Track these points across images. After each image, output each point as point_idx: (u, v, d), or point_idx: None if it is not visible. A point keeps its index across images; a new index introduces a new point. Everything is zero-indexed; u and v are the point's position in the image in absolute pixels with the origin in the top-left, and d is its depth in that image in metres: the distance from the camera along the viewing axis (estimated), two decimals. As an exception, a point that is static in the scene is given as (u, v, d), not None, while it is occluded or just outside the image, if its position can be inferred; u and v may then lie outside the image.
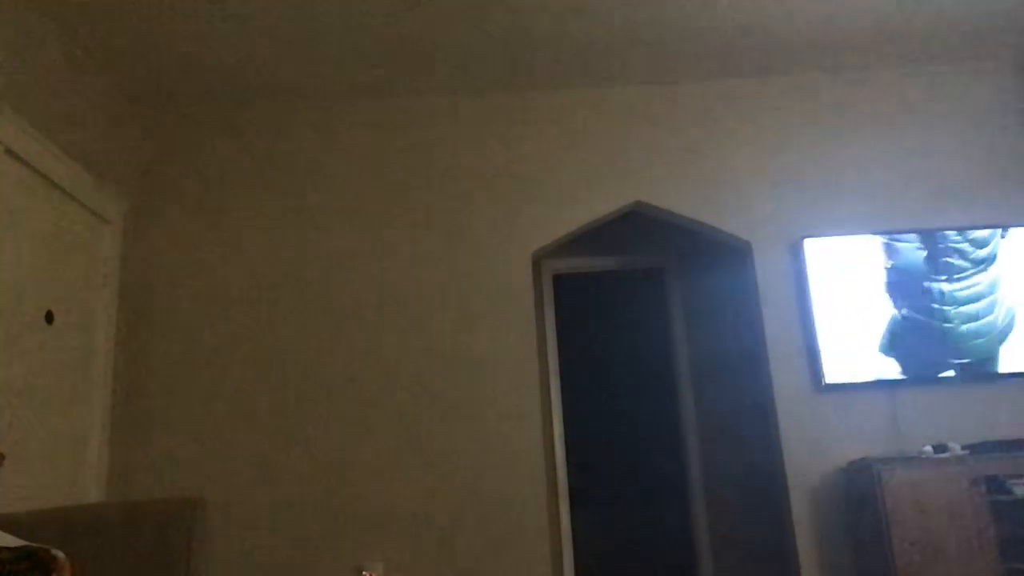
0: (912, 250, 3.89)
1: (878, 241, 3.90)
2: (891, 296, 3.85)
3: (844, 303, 3.84)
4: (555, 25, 3.64)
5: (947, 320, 3.82)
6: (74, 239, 3.47)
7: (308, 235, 4.04)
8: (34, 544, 1.42)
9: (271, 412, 3.82)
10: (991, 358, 3.78)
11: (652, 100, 4.22)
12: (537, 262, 4.98)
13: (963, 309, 3.83)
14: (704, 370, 4.93)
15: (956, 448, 3.46)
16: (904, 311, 3.83)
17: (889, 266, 3.88)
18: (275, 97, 4.13)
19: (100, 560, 1.73)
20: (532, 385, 3.86)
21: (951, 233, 3.91)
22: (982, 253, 3.89)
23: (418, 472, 3.76)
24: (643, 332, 6.58)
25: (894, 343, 3.80)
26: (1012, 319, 3.82)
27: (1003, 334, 3.80)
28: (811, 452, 3.75)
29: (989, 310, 3.83)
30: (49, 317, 3.24)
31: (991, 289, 3.85)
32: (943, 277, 3.86)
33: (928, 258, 3.88)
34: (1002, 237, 3.91)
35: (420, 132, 4.18)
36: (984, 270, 3.87)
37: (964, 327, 3.81)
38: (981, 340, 3.80)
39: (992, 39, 3.99)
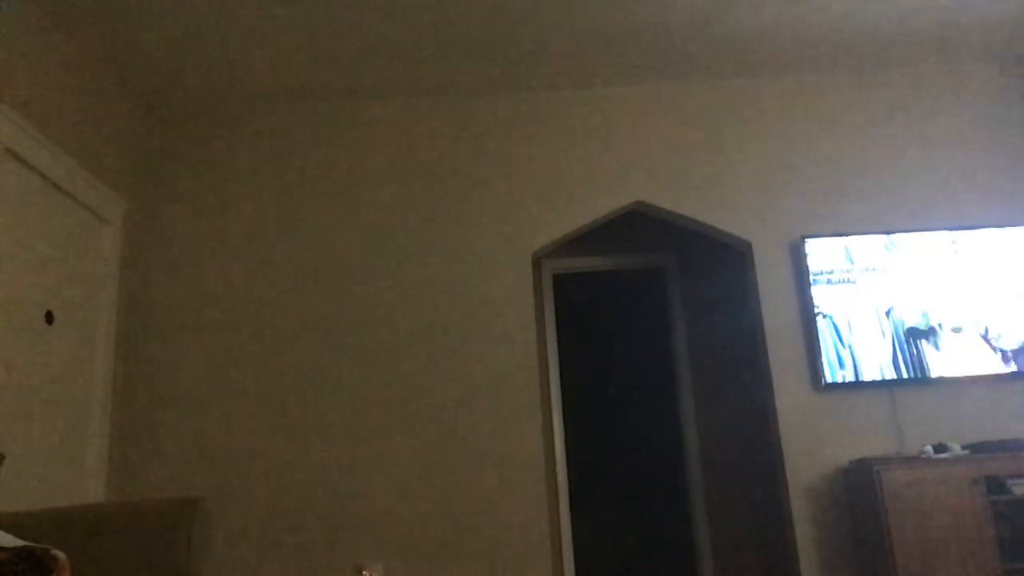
0: (912, 250, 3.90)
1: (878, 241, 3.90)
2: (891, 294, 3.85)
3: (844, 303, 3.84)
4: (555, 25, 3.63)
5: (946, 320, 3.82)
6: (74, 239, 3.47)
7: (307, 235, 4.04)
8: (34, 544, 1.42)
9: (271, 412, 3.82)
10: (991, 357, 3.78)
11: (652, 100, 4.22)
12: (537, 262, 4.98)
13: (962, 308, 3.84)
14: (704, 370, 4.92)
15: (956, 448, 3.46)
16: (904, 311, 3.83)
17: (888, 265, 3.88)
18: (275, 97, 4.13)
19: (100, 560, 1.73)
20: (532, 385, 3.86)
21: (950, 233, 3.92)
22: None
23: (418, 472, 3.76)
24: (643, 332, 6.58)
25: (894, 343, 3.80)
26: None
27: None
28: (811, 452, 3.75)
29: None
30: (49, 317, 3.24)
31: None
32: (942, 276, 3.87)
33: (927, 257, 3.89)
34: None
35: (420, 132, 4.18)
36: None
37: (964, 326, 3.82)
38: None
39: (992, 39, 3.99)
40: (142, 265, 4.00)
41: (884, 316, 3.83)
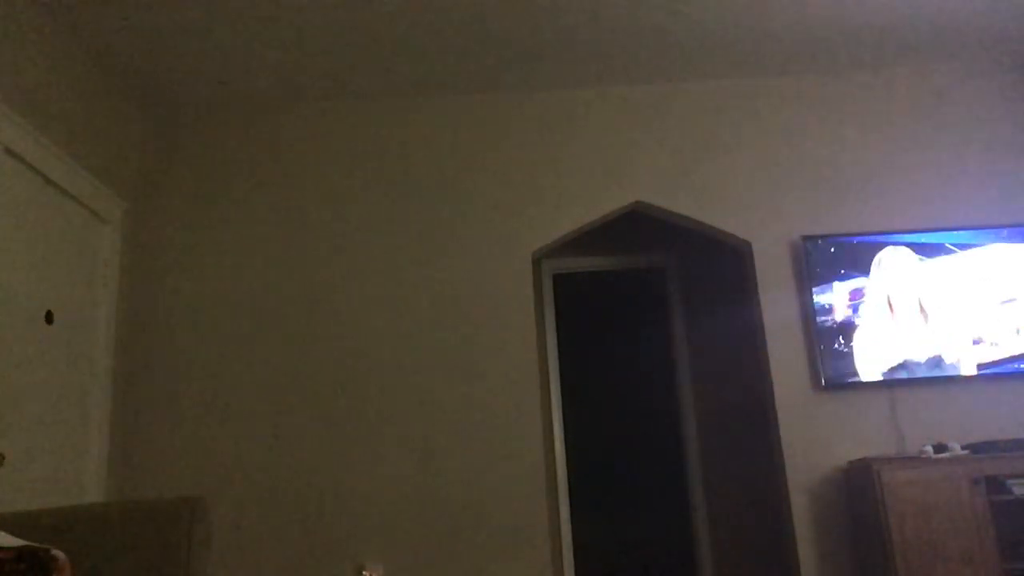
0: (910, 250, 3.90)
1: (878, 241, 3.90)
2: (890, 295, 3.85)
3: (844, 302, 3.84)
4: (555, 25, 3.63)
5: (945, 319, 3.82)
6: (74, 239, 3.47)
7: (307, 235, 4.04)
8: (34, 544, 1.42)
9: (271, 412, 3.82)
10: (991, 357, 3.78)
11: (652, 100, 4.22)
12: (537, 262, 4.98)
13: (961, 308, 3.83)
14: (703, 370, 4.92)
15: (956, 448, 3.46)
16: (903, 310, 3.83)
17: (888, 265, 3.88)
18: (274, 98, 4.13)
19: (100, 560, 1.73)
20: (532, 385, 3.86)
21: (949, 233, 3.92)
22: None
23: (418, 472, 3.76)
24: (643, 332, 6.58)
25: (893, 342, 3.80)
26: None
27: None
28: (811, 452, 3.75)
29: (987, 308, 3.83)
30: (49, 317, 3.24)
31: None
32: (941, 276, 3.87)
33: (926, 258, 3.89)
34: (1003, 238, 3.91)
35: (421, 132, 4.18)
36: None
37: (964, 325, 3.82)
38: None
39: (992, 39, 3.99)
40: (142, 265, 4.00)
41: (884, 315, 3.83)
